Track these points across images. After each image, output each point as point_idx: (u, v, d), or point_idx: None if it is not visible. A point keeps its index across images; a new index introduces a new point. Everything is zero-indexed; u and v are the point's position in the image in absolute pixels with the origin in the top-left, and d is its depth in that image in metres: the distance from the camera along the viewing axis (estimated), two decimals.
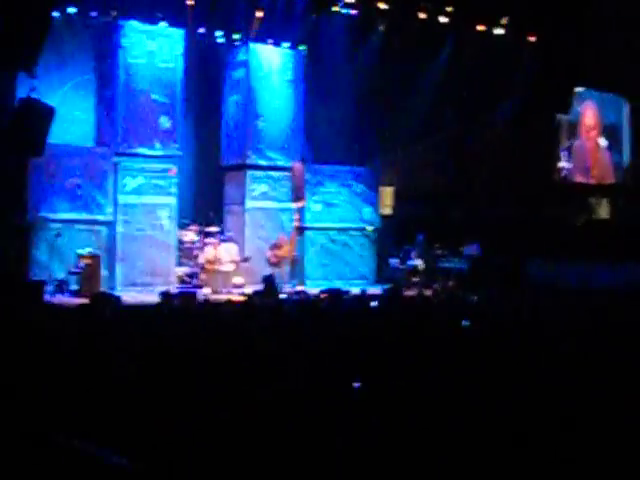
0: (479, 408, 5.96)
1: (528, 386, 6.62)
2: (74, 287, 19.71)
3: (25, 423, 5.72)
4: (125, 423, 5.86)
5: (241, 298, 16.24)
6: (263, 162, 23.30)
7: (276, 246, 22.23)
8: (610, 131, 28.55)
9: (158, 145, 21.47)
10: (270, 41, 23.39)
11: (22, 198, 19.80)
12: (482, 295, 16.59)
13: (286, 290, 20.77)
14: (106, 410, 6.05)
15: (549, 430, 5.59)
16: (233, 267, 21.72)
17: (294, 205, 23.13)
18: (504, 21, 24.04)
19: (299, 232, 23.43)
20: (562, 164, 27.76)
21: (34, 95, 17.25)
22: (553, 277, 21.36)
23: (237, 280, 21.95)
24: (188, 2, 21.22)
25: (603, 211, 28.65)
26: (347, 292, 17.03)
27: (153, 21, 21.37)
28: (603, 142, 28.38)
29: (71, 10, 20.48)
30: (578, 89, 25.64)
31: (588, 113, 27.86)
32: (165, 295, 14.36)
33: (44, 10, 16.65)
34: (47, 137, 17.59)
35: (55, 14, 18.93)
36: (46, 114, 17.47)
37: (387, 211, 26.09)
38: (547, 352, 8.25)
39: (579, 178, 28.13)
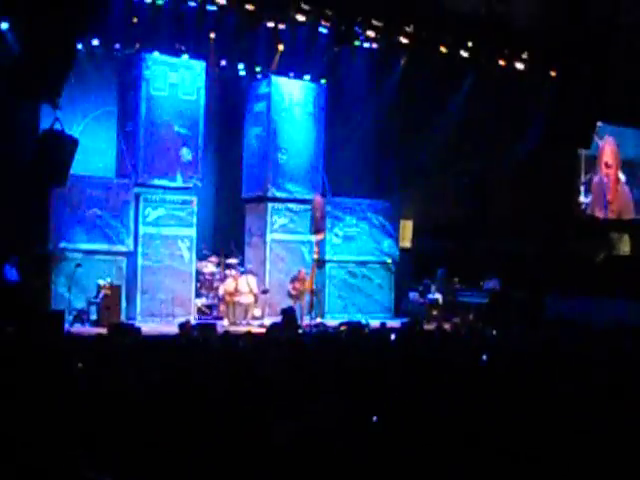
0: (497, 442, 5.93)
1: (548, 420, 6.59)
2: (93, 317, 19.76)
3: (42, 451, 5.73)
4: (143, 453, 5.86)
5: (260, 330, 16.25)
6: (284, 195, 23.35)
7: (296, 279, 22.25)
8: (629, 166, 28.50)
9: (179, 177, 21.55)
10: (291, 74, 23.48)
11: (44, 228, 19.90)
12: (501, 330, 16.54)
13: (305, 323, 20.76)
14: (123, 440, 6.05)
15: (568, 467, 5.56)
16: (252, 299, 21.72)
17: (314, 238, 23.14)
18: (525, 56, 24.05)
19: (319, 265, 23.42)
20: (581, 198, 27.73)
21: (57, 126, 17.36)
22: (573, 313, 21.24)
23: (256, 312, 21.97)
24: (210, 35, 21.33)
25: (624, 246, 28.54)
26: (367, 325, 17.03)
27: (175, 53, 21.50)
28: (622, 177, 28.33)
29: (95, 42, 20.62)
30: (598, 123, 25.60)
31: (607, 150, 27.85)
32: (184, 326, 14.38)
33: (69, 43, 16.78)
34: (70, 168, 17.70)
35: (79, 46, 19.07)
36: (69, 145, 17.59)
37: (407, 244, 26.08)
38: (567, 387, 8.21)
39: (598, 213, 28.07)
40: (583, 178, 27.66)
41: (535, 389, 8.10)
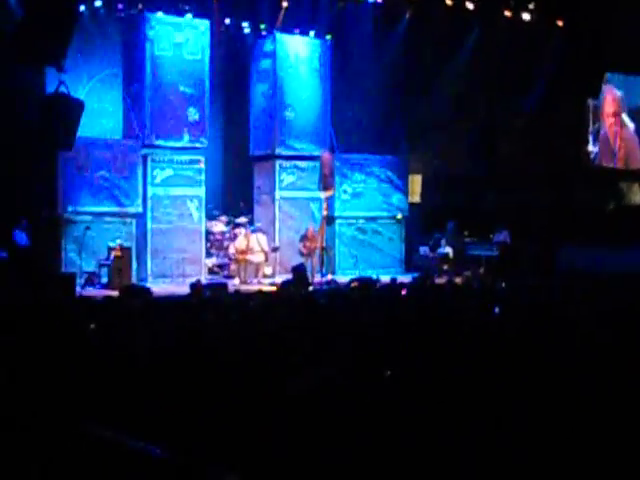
0: (508, 398, 5.93)
1: (559, 375, 6.58)
2: (104, 279, 19.81)
3: (56, 412, 5.76)
4: (154, 414, 5.88)
5: (272, 288, 16.27)
6: (291, 152, 23.30)
7: (305, 237, 22.25)
8: (637, 114, 28.30)
9: (186, 136, 21.50)
10: (296, 31, 23.35)
11: (52, 192, 19.92)
12: (512, 282, 16.53)
13: (316, 280, 20.79)
14: (135, 401, 6.07)
15: (579, 422, 5.55)
16: (263, 257, 21.73)
17: (323, 194, 23.10)
18: (531, 6, 23.87)
19: (328, 221, 23.42)
20: (590, 147, 27.60)
21: (63, 89, 17.31)
22: (584, 263, 21.21)
23: (267, 270, 21.99)
24: None
25: (634, 196, 28.45)
26: (377, 280, 17.04)
27: (179, 13, 21.39)
28: (630, 124, 28.14)
29: (97, 3, 20.54)
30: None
31: (608, 99, 27.61)
32: (195, 286, 14.41)
33: (71, 4, 16.70)
34: (76, 131, 17.66)
35: (82, 8, 18.98)
36: (75, 108, 17.53)
37: (416, 199, 26.05)
38: (580, 340, 8.20)
39: (606, 163, 27.94)
40: (591, 128, 27.51)
41: (547, 341, 8.10)
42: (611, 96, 27.64)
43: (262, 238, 21.95)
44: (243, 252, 21.54)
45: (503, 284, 16.18)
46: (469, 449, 5.03)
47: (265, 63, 23.36)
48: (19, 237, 19.17)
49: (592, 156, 27.67)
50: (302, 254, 22.09)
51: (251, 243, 21.62)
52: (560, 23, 24.27)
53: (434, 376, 6.39)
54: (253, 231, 22.13)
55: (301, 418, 4.99)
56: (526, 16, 23.90)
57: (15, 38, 16.41)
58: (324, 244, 22.42)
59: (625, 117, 28.07)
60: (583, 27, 23.56)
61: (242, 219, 22.97)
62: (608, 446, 5.11)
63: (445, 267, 23.91)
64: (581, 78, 23.48)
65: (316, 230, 22.45)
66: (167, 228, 21.33)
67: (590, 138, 27.52)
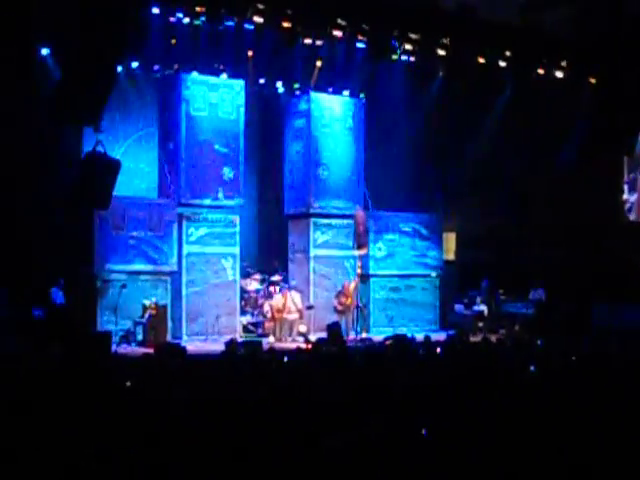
0: (545, 456, 5.89)
1: (595, 433, 6.52)
2: (140, 337, 19.87)
3: (93, 471, 5.77)
4: (190, 472, 5.87)
5: (307, 346, 16.23)
6: (326, 210, 23.37)
7: (341, 293, 22.25)
8: None
9: (221, 195, 21.64)
10: (330, 90, 23.52)
11: (89, 250, 20.06)
12: (548, 340, 16.42)
13: (351, 337, 20.75)
14: (170, 459, 6.07)
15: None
16: (297, 315, 21.74)
17: (357, 252, 23.09)
18: (563, 63, 23.92)
19: (362, 279, 23.41)
20: (625, 196, 27.40)
21: (100, 149, 17.51)
22: (621, 320, 21.05)
23: (302, 328, 21.97)
24: (248, 53, 21.42)
25: None
26: (413, 339, 16.96)
27: (214, 73, 21.62)
28: None
29: (134, 64, 20.80)
30: None
31: None
32: (230, 344, 14.40)
33: (109, 65, 16.94)
34: (113, 190, 17.83)
35: (119, 69, 19.24)
36: (112, 167, 17.72)
37: (451, 257, 26.03)
38: (616, 397, 8.13)
39: None
40: (626, 177, 27.34)
41: (584, 400, 8.03)
42: None
43: (296, 296, 21.98)
44: (279, 311, 21.56)
45: (540, 342, 16.06)
46: None
47: (299, 122, 23.53)
48: (56, 295, 19.32)
49: (628, 206, 27.45)
50: (337, 310, 22.07)
51: (288, 302, 21.65)
52: (593, 80, 24.27)
53: (470, 435, 6.35)
54: (287, 289, 22.15)
55: (335, 477, 4.98)
56: (559, 74, 23.94)
57: (53, 99, 16.64)
58: (358, 302, 22.38)
59: None
60: (615, 84, 23.54)
61: (276, 277, 23.02)
62: None
63: (480, 325, 23.81)
64: (615, 136, 23.40)
65: (352, 287, 22.43)
66: (202, 286, 21.40)
67: (625, 188, 27.34)
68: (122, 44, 17.12)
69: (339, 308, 22.09)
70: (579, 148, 23.08)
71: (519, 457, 5.85)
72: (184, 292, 21.18)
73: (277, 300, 21.73)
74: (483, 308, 24.26)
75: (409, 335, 17.94)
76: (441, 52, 22.59)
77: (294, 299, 21.83)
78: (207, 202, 21.52)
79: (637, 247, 27.01)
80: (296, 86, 23.36)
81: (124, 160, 19.28)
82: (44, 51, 19.37)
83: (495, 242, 25.73)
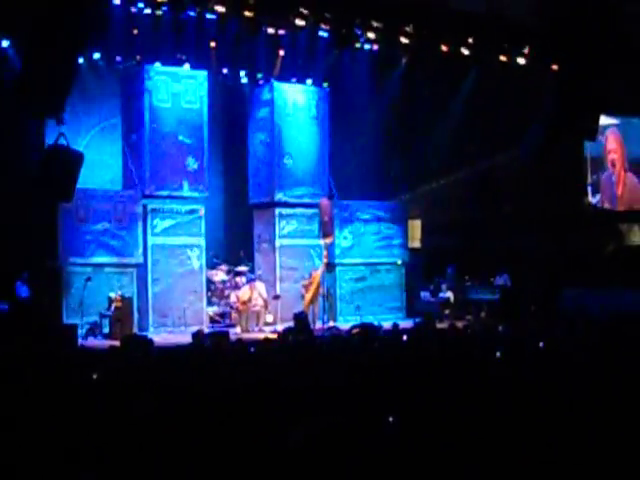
0: (510, 442, 5.92)
1: (561, 418, 6.56)
2: (106, 330, 19.79)
3: (55, 463, 5.73)
4: (154, 465, 5.85)
5: (273, 336, 16.22)
6: (291, 199, 23.37)
7: (309, 282, 22.25)
8: (637, 165, 28.30)
9: (186, 186, 21.59)
10: (293, 79, 23.52)
11: (53, 244, 19.94)
12: (513, 325, 16.51)
13: (318, 327, 20.76)
14: (135, 452, 6.05)
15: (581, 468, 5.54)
16: (263, 305, 21.73)
17: (323, 241, 23.11)
18: (526, 50, 24.00)
19: (329, 268, 23.42)
20: (590, 199, 27.60)
21: (62, 141, 17.39)
22: (584, 305, 21.19)
23: (268, 318, 21.97)
24: (211, 44, 21.35)
25: (635, 237, 28.44)
26: (379, 327, 16.99)
27: (177, 63, 21.55)
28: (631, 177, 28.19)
29: (96, 56, 20.69)
30: (601, 121, 25.37)
31: (610, 139, 27.62)
32: (197, 335, 14.36)
33: (70, 57, 16.80)
34: (76, 182, 17.72)
35: (80, 60, 19.11)
36: (75, 159, 17.59)
37: (416, 244, 26.08)
38: (582, 382, 8.18)
39: (607, 205, 27.94)
40: (590, 179, 27.55)
41: (550, 384, 8.08)
42: (613, 136, 27.69)
43: (261, 286, 21.96)
44: (245, 303, 21.54)
45: (505, 328, 16.14)
46: None
47: (263, 111, 23.51)
48: (20, 289, 19.19)
49: (592, 205, 27.68)
50: (306, 299, 22.03)
51: (254, 294, 21.62)
52: (555, 67, 24.37)
53: (437, 421, 6.37)
54: (252, 280, 22.13)
55: (302, 468, 4.97)
56: (521, 61, 24.02)
57: (14, 90, 16.51)
58: (325, 291, 22.40)
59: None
60: (577, 70, 23.65)
61: (242, 267, 23.00)
62: None
63: (446, 312, 23.93)
64: (577, 121, 23.52)
65: (318, 276, 22.43)
66: (168, 278, 21.35)
67: (589, 190, 27.57)
68: (83, 35, 16.95)
69: (308, 298, 22.07)
70: (543, 134, 23.16)
71: (486, 444, 5.87)
72: (150, 284, 21.12)
73: (244, 292, 21.71)
74: (449, 295, 24.38)
75: (376, 323, 17.99)
76: (404, 40, 22.60)
77: (259, 289, 21.81)
78: (172, 193, 21.45)
79: (601, 233, 27.24)
80: (259, 76, 23.39)
81: (87, 152, 19.13)
82: (4, 43, 19.22)
83: (460, 229, 25.84)
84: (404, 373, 8.93)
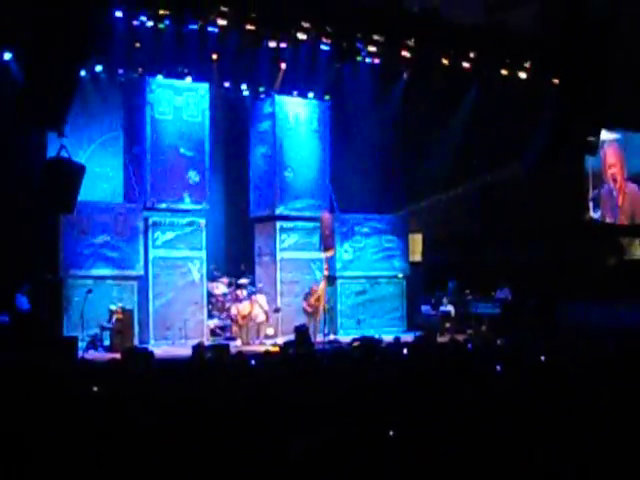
0: (509, 456, 5.91)
1: (563, 430, 6.56)
2: (107, 342, 19.77)
3: (54, 476, 5.73)
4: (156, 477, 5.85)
5: (274, 349, 16.22)
6: (292, 213, 23.37)
7: (310, 295, 22.23)
8: (637, 180, 28.33)
9: (187, 199, 21.59)
10: (295, 92, 23.56)
11: (54, 256, 19.94)
12: (514, 339, 16.50)
13: (319, 340, 20.74)
14: (136, 465, 6.04)
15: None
16: (264, 317, 21.71)
17: (324, 255, 23.11)
18: (527, 64, 24.02)
19: (330, 281, 23.41)
20: (591, 214, 27.59)
21: (64, 154, 17.40)
22: (586, 319, 21.21)
23: (269, 331, 21.96)
24: (213, 57, 21.39)
25: (635, 251, 28.44)
26: (380, 340, 16.98)
27: (179, 76, 21.58)
28: (631, 185, 28.19)
29: (98, 68, 20.72)
30: (602, 136, 25.37)
31: (609, 152, 27.62)
32: (198, 348, 14.37)
33: (72, 69, 16.84)
34: (77, 194, 17.73)
35: (82, 73, 19.14)
36: (76, 172, 17.61)
37: (417, 258, 26.09)
38: (581, 395, 8.18)
39: (609, 219, 27.93)
40: (591, 194, 27.54)
41: (550, 398, 8.07)
42: (613, 149, 27.69)
43: (262, 299, 21.94)
44: (245, 317, 21.52)
45: (498, 341, 16.16)
46: None
47: (264, 125, 23.54)
48: (20, 301, 19.16)
49: (593, 220, 27.67)
50: (306, 312, 22.06)
51: (254, 309, 21.58)
52: (556, 81, 24.39)
53: (437, 436, 6.37)
54: (253, 293, 22.11)
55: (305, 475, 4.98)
56: (522, 75, 24.04)
57: (16, 102, 16.54)
58: (326, 304, 22.41)
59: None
60: (578, 85, 23.67)
61: (243, 280, 22.99)
62: None
63: (447, 325, 23.91)
64: (578, 136, 23.54)
65: (319, 289, 22.40)
66: (169, 290, 21.34)
67: (590, 205, 27.56)
68: (85, 48, 17.00)
69: (309, 310, 22.07)
70: (543, 148, 23.19)
71: (487, 457, 5.87)
72: (151, 296, 21.12)
73: (244, 306, 21.67)
74: (450, 309, 24.35)
75: (376, 336, 17.99)
76: (405, 54, 22.62)
77: (260, 302, 21.79)
78: (173, 206, 21.46)
79: (602, 247, 27.24)
80: (261, 89, 23.39)
81: (89, 164, 19.16)
82: (7, 55, 19.22)
83: (461, 243, 25.84)
84: (404, 387, 8.92)
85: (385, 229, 24.96)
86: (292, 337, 19.55)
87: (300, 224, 23.57)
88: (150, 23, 19.60)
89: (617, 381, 9.04)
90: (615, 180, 27.97)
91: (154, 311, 21.10)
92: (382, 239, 24.88)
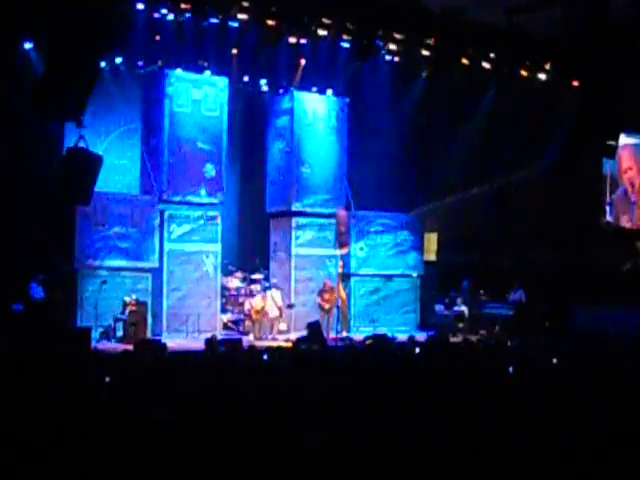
0: (520, 456, 5.90)
1: (575, 433, 6.55)
2: (120, 334, 19.81)
3: (67, 464, 5.74)
4: (167, 469, 5.86)
5: (287, 345, 16.23)
6: (308, 209, 23.37)
7: (324, 290, 22.19)
8: None
9: (204, 193, 21.61)
10: (314, 89, 23.55)
11: (70, 246, 19.99)
12: (526, 342, 16.48)
13: (331, 337, 20.74)
14: (147, 457, 6.05)
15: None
16: (278, 313, 21.70)
17: (339, 252, 23.11)
18: (547, 66, 23.97)
19: (344, 278, 23.40)
20: (607, 218, 27.49)
21: (82, 144, 17.44)
22: (600, 323, 21.14)
23: (282, 327, 21.97)
24: (233, 51, 21.41)
25: None
26: (393, 338, 16.98)
27: (198, 70, 21.60)
28: None
29: (118, 60, 20.77)
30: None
31: (624, 155, 27.48)
32: (210, 342, 14.39)
33: (92, 61, 16.86)
34: (94, 185, 17.77)
35: (102, 64, 19.19)
36: (94, 163, 17.65)
37: (431, 257, 26.06)
38: (593, 400, 8.16)
39: (625, 223, 27.81)
40: (608, 199, 27.46)
41: (561, 402, 8.06)
42: (628, 152, 27.56)
43: (277, 294, 21.93)
44: (258, 312, 21.52)
45: (509, 342, 16.15)
46: None
47: (282, 120, 23.53)
48: (35, 291, 19.23)
49: (609, 224, 27.57)
50: (322, 308, 22.01)
51: (267, 305, 21.58)
52: (575, 83, 24.33)
53: (448, 434, 6.36)
54: (268, 288, 22.12)
55: (312, 477, 4.97)
56: (542, 76, 23.99)
57: (36, 93, 16.57)
58: (338, 302, 22.40)
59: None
60: (598, 87, 23.60)
61: (258, 275, 23.00)
62: None
63: (460, 325, 23.86)
64: (597, 138, 23.46)
65: (333, 285, 22.39)
66: (183, 283, 21.37)
67: (607, 209, 27.47)
68: (106, 39, 17.03)
69: (326, 307, 22.00)
70: (562, 150, 23.12)
71: (498, 457, 5.86)
72: (165, 289, 21.14)
73: (257, 302, 21.67)
74: (463, 309, 24.31)
75: (389, 335, 17.98)
76: (425, 52, 22.60)
77: (274, 297, 21.79)
78: (189, 199, 21.49)
79: (618, 251, 27.13)
80: (280, 85, 23.37)
81: (106, 156, 19.19)
82: (27, 45, 19.30)
83: (477, 244, 25.76)
84: (416, 385, 8.92)
85: (400, 227, 24.93)
86: (305, 333, 19.56)
87: (316, 220, 23.54)
88: (171, 16, 19.65)
89: (628, 386, 9.02)
90: (632, 184, 27.86)
91: (168, 304, 21.13)
92: (397, 237, 24.85)
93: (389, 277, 24.73)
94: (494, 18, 23.07)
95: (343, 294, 22.69)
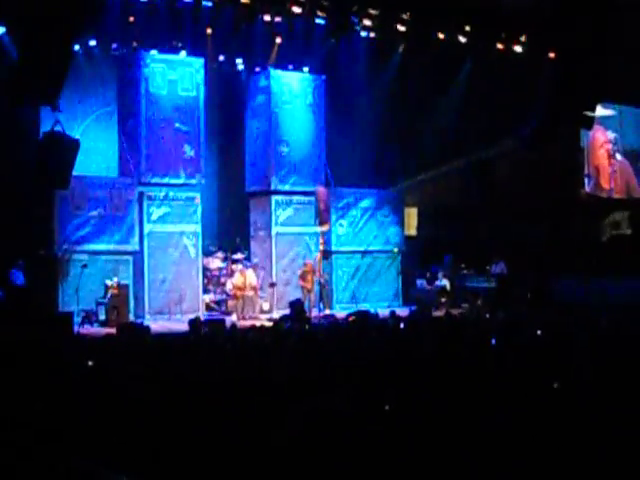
0: (509, 430, 5.93)
1: (555, 406, 6.58)
2: (102, 317, 19.76)
3: (49, 449, 5.74)
4: (149, 450, 5.86)
5: (269, 324, 16.24)
6: (287, 187, 23.33)
7: (307, 272, 22.19)
8: (632, 156, 28.28)
9: (182, 173, 21.56)
10: (290, 67, 23.48)
11: (49, 231, 19.92)
12: (509, 314, 16.52)
13: (314, 314, 20.76)
14: (129, 438, 6.05)
15: (575, 454, 5.55)
16: (252, 293, 21.69)
17: (319, 229, 23.12)
18: (523, 38, 23.97)
19: (325, 256, 23.40)
20: (586, 189, 27.54)
21: (58, 128, 17.35)
22: (580, 293, 21.21)
23: (265, 306, 21.98)
24: (207, 31, 21.31)
25: (627, 226, 28.41)
26: (375, 315, 17.00)
27: (173, 51, 21.50)
28: (619, 157, 28.16)
29: (92, 43, 20.63)
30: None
31: (601, 128, 27.53)
32: (194, 323, 14.38)
33: (65, 44, 16.76)
34: (72, 169, 17.69)
35: (76, 47, 19.06)
36: (71, 147, 17.57)
37: (412, 232, 26.08)
38: (575, 370, 8.20)
39: (600, 193, 27.87)
40: (586, 170, 27.50)
41: (543, 373, 8.09)
42: (599, 131, 27.59)
43: (250, 273, 21.93)
44: (240, 289, 21.52)
45: (499, 315, 16.18)
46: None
47: (259, 99, 23.46)
48: (15, 276, 19.15)
49: (588, 195, 27.66)
50: (302, 287, 22.02)
51: (248, 279, 21.63)
52: (552, 55, 24.34)
53: (433, 410, 6.38)
54: (247, 267, 22.15)
55: (298, 456, 4.98)
56: (518, 49, 24.00)
57: (10, 78, 16.47)
58: (323, 277, 22.45)
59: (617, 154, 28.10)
60: (575, 58, 23.62)
61: (238, 255, 22.98)
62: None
63: (443, 300, 23.89)
64: (574, 110, 23.49)
65: (315, 264, 22.40)
66: (164, 265, 21.33)
67: (586, 181, 27.52)
68: (79, 22, 16.94)
69: (305, 285, 22.01)
70: (539, 123, 23.14)
71: (482, 431, 5.88)
72: (146, 271, 21.10)
73: (237, 279, 21.71)
74: (445, 283, 24.35)
75: (372, 311, 18.01)
76: (401, 28, 22.56)
77: (249, 277, 21.80)
78: (167, 180, 21.43)
79: (597, 221, 27.24)
80: (256, 63, 23.27)
81: (83, 139, 19.13)
82: (0, 30, 19.15)
83: (457, 217, 25.80)
84: (400, 361, 8.94)
85: (380, 204, 24.93)
86: (287, 312, 19.58)
87: (295, 198, 23.51)
88: None
89: (609, 358, 9.05)
90: (610, 155, 27.92)
91: (149, 286, 21.09)
92: (377, 214, 24.85)
93: (370, 253, 24.74)
94: None
95: (324, 272, 22.71)
